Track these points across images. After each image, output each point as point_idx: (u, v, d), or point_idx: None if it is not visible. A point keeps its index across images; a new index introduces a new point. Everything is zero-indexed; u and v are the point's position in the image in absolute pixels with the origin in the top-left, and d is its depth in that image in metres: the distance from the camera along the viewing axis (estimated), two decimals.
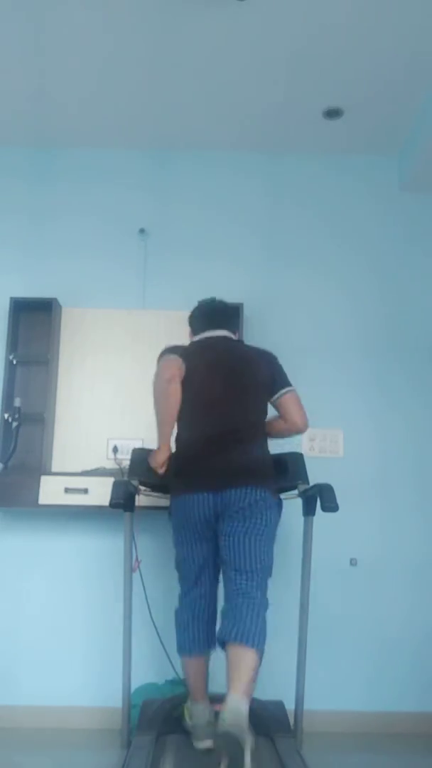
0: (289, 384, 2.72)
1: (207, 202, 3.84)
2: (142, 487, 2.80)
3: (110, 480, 2.75)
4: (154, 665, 3.10)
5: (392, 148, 3.82)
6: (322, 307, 3.70)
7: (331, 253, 3.79)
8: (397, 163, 3.87)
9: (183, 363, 2.60)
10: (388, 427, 3.56)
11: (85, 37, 3.08)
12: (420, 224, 3.83)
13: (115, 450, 3.39)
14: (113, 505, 2.61)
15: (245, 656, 2.24)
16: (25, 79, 3.35)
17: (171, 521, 2.62)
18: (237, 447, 2.53)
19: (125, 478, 2.81)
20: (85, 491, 3.16)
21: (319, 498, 2.62)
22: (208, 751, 2.36)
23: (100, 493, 3.01)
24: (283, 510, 2.64)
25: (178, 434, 2.64)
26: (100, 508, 3.03)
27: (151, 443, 2.72)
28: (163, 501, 2.77)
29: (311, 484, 2.79)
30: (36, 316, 3.58)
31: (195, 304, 3.43)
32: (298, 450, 3.10)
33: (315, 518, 2.79)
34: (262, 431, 2.67)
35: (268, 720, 2.61)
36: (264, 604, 2.40)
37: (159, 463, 2.63)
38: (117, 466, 3.28)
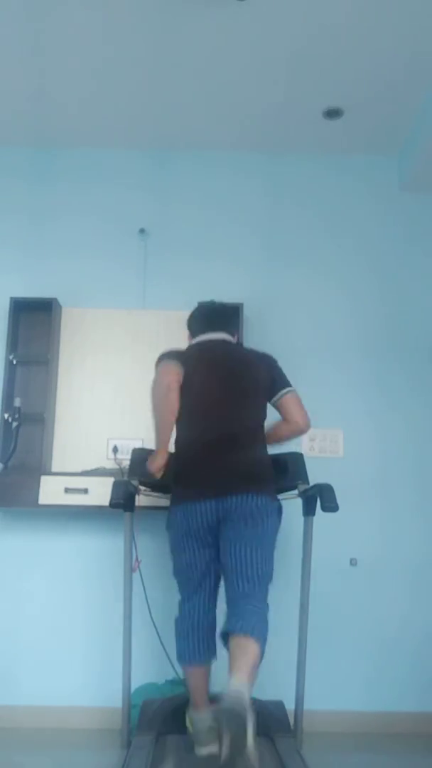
0: (289, 384, 2.72)
1: (207, 202, 3.84)
2: (142, 487, 2.80)
3: (110, 480, 2.75)
4: (154, 665, 3.09)
5: (392, 148, 3.82)
6: (322, 307, 3.70)
7: (331, 253, 3.79)
8: (397, 163, 3.87)
9: (181, 368, 2.59)
10: (388, 427, 3.56)
11: (85, 37, 3.08)
12: (420, 224, 3.83)
13: (115, 450, 3.39)
14: (113, 505, 2.61)
15: (249, 646, 2.25)
16: (25, 79, 3.35)
17: (169, 528, 2.59)
18: (236, 451, 2.52)
19: (125, 478, 2.81)
20: (85, 491, 3.16)
21: (319, 498, 2.62)
22: (210, 756, 2.35)
23: (100, 493, 3.01)
24: (283, 515, 2.63)
25: (177, 438, 2.63)
26: (100, 508, 3.03)
27: (151, 443, 2.71)
28: (163, 501, 2.77)
29: (311, 484, 2.79)
30: (36, 316, 3.58)
31: (195, 304, 3.43)
32: (298, 450, 3.11)
33: (315, 518, 2.79)
34: (262, 434, 2.65)
35: (268, 720, 2.61)
36: (266, 608, 2.41)
37: (156, 468, 2.63)
38: (117, 466, 3.28)
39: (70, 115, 3.61)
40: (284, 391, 2.69)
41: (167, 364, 2.62)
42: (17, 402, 3.38)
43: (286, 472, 2.82)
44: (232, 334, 2.81)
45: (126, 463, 3.03)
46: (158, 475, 2.64)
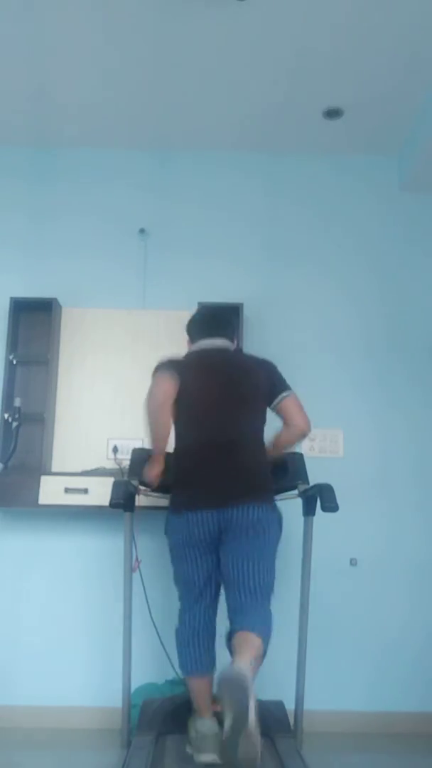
0: (288, 388, 2.69)
1: (207, 202, 3.84)
2: (142, 487, 2.80)
3: (110, 480, 2.75)
4: (154, 665, 3.09)
5: (392, 148, 3.82)
6: (322, 307, 3.70)
7: (331, 253, 3.79)
8: (397, 163, 3.87)
9: (177, 380, 2.57)
10: (388, 427, 3.56)
11: (85, 37, 3.08)
12: (420, 224, 3.83)
13: (115, 450, 3.39)
14: (113, 505, 2.61)
15: (252, 640, 2.27)
16: (25, 79, 3.35)
17: (168, 535, 2.58)
18: (236, 458, 2.51)
19: (125, 478, 2.81)
20: (85, 491, 3.16)
21: (319, 498, 2.62)
22: (210, 765, 2.35)
23: (100, 493, 3.01)
24: (284, 521, 2.63)
25: (176, 444, 2.63)
26: (100, 508, 3.03)
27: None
28: (163, 501, 2.77)
29: (311, 484, 2.79)
30: (36, 316, 3.58)
31: (195, 304, 3.46)
32: (298, 450, 3.10)
33: (315, 518, 2.79)
34: (261, 440, 2.64)
35: (268, 720, 2.60)
36: (269, 615, 2.42)
37: (154, 476, 2.69)
38: (117, 466, 3.28)
39: (70, 115, 3.61)
40: (284, 394, 2.67)
41: (162, 376, 2.60)
42: (17, 402, 3.38)
43: (286, 472, 2.82)
44: (232, 340, 2.80)
45: (126, 463, 3.03)
46: (156, 483, 2.70)
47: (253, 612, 2.38)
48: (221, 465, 2.49)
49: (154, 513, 2.88)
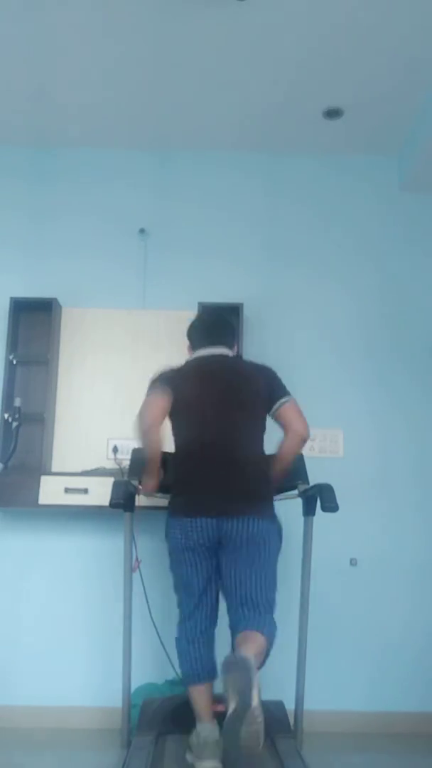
0: (288, 394, 2.67)
1: (207, 202, 3.84)
2: (141, 487, 2.79)
3: (110, 480, 2.74)
4: (154, 665, 3.10)
5: (392, 148, 3.82)
6: (322, 307, 3.70)
7: (331, 253, 3.79)
8: (397, 163, 3.87)
9: (170, 397, 2.57)
10: (388, 427, 3.56)
11: (85, 37, 3.08)
12: (420, 224, 3.83)
13: (115, 450, 3.39)
14: (113, 505, 2.60)
15: (256, 637, 2.28)
16: (25, 79, 3.35)
17: (168, 541, 2.57)
18: (235, 465, 2.50)
19: (125, 478, 2.80)
20: (85, 491, 3.16)
21: (319, 498, 2.62)
22: None
23: (100, 493, 3.01)
24: (284, 521, 2.63)
25: (175, 452, 2.62)
26: (100, 508, 3.02)
27: None
28: (163, 501, 2.77)
29: (311, 484, 2.79)
30: (36, 316, 3.58)
31: (195, 304, 3.46)
32: None
33: (315, 518, 2.79)
34: (261, 446, 2.63)
35: (268, 720, 2.59)
36: (274, 623, 2.42)
37: (149, 490, 2.72)
38: (117, 466, 3.28)
39: (70, 115, 3.61)
40: (283, 400, 2.64)
41: (153, 395, 2.60)
42: (17, 402, 3.38)
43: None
44: (231, 347, 2.78)
45: (126, 463, 3.03)
46: (154, 493, 2.72)
47: (257, 619, 2.39)
48: (220, 470, 2.48)
49: (154, 513, 2.88)
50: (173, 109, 3.55)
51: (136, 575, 2.81)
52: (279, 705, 2.78)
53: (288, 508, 2.75)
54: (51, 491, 3.17)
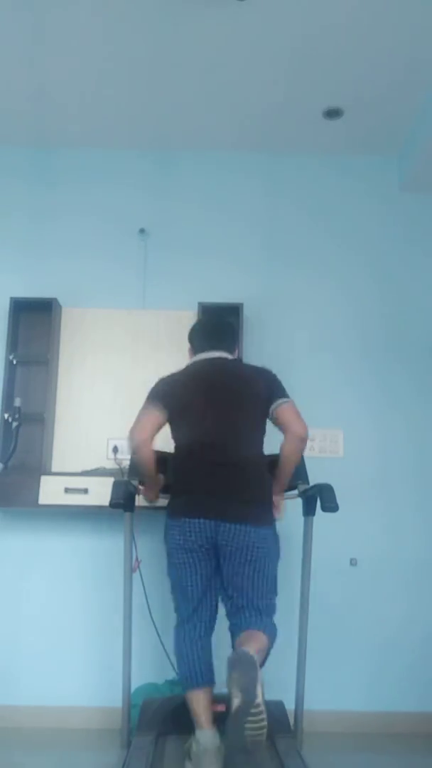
0: (286, 396, 2.66)
1: (207, 202, 3.84)
2: (141, 487, 2.80)
3: (110, 480, 2.74)
4: (154, 665, 3.10)
5: (392, 149, 3.82)
6: (322, 307, 3.70)
7: (331, 253, 3.79)
8: (397, 163, 3.87)
9: (165, 410, 2.58)
10: (388, 427, 3.56)
11: (85, 37, 3.08)
12: (420, 224, 3.83)
13: (115, 450, 3.39)
14: (113, 505, 2.60)
15: (258, 635, 2.30)
16: (25, 79, 3.35)
17: (166, 543, 2.56)
18: (234, 467, 2.50)
19: (125, 478, 2.80)
20: (85, 491, 3.16)
21: (319, 498, 2.62)
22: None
23: (100, 493, 3.01)
24: (284, 520, 2.63)
25: (174, 453, 2.63)
26: (100, 508, 3.02)
27: None
28: (163, 501, 2.77)
29: (311, 484, 2.79)
30: (36, 316, 3.58)
31: (195, 304, 3.46)
32: None
33: (315, 518, 2.79)
34: (260, 449, 2.63)
35: (268, 720, 2.59)
36: (274, 625, 2.44)
37: (151, 498, 2.76)
38: (117, 466, 3.28)
39: (70, 115, 3.61)
40: (281, 401, 2.62)
41: (148, 408, 2.60)
42: (17, 402, 3.38)
43: None
44: (232, 351, 2.79)
45: (126, 463, 3.03)
46: (156, 500, 2.75)
47: (258, 620, 2.41)
48: (220, 472, 2.48)
49: (154, 513, 2.88)
50: (173, 109, 3.55)
51: (136, 575, 2.81)
52: (279, 705, 2.78)
53: (288, 508, 2.74)
54: (51, 491, 3.17)
